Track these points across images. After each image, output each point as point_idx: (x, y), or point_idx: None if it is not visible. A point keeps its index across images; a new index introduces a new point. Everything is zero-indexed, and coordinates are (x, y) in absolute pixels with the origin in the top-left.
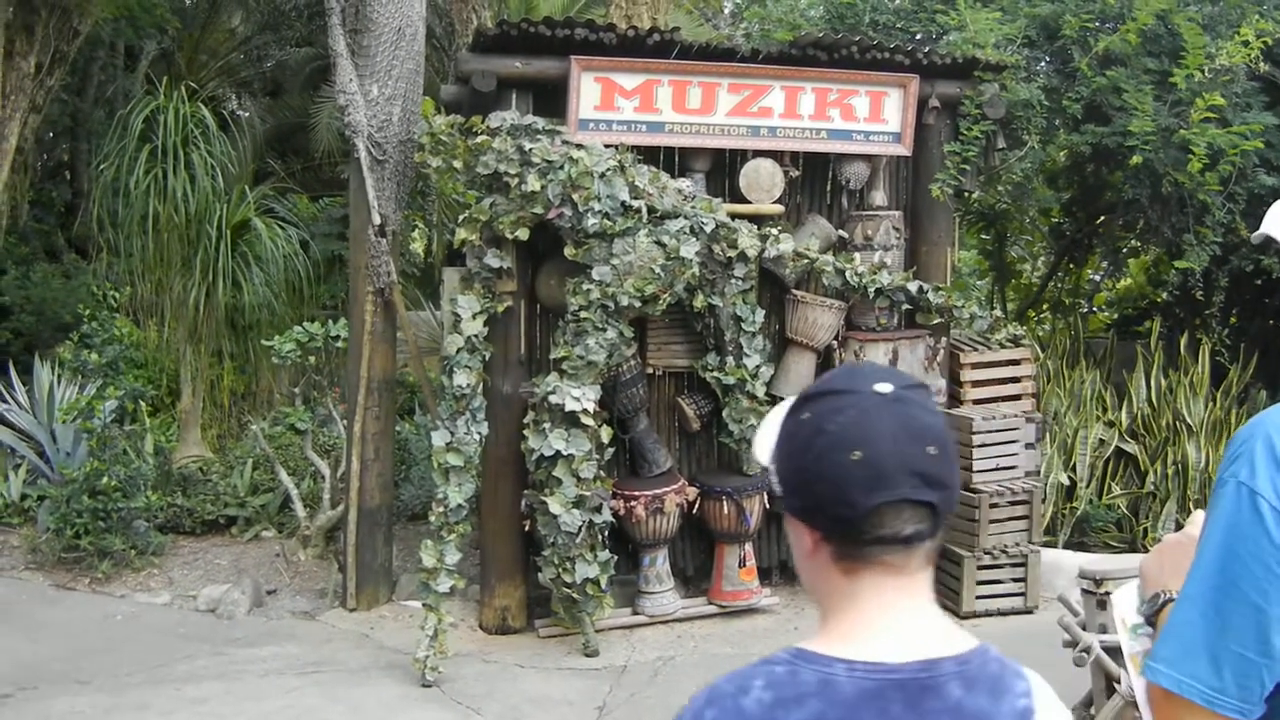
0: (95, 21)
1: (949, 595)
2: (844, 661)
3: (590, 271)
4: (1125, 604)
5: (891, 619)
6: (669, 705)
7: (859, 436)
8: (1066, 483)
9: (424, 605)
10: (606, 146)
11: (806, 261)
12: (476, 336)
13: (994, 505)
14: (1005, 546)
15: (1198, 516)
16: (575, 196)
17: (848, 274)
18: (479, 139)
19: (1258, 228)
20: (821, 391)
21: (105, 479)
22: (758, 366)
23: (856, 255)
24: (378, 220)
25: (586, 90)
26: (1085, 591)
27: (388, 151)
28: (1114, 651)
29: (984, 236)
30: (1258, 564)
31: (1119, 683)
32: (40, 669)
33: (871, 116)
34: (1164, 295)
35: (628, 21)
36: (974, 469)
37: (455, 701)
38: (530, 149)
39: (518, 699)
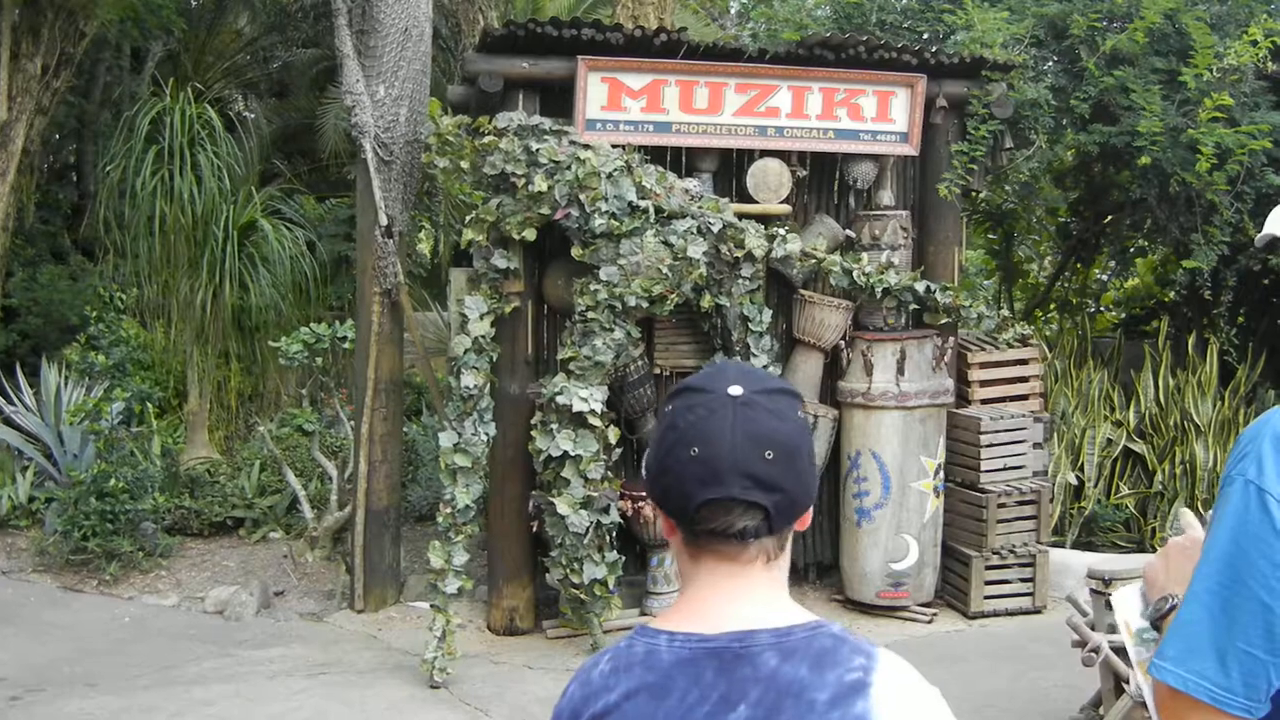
0: (101, 23)
1: (957, 595)
2: (667, 633)
3: (597, 272)
4: (1127, 607)
5: (718, 598)
6: None
7: (700, 435)
8: (1074, 482)
9: (432, 606)
10: (614, 147)
11: (814, 261)
12: (484, 337)
13: (1002, 505)
14: (1013, 546)
15: (1189, 517)
16: (582, 197)
17: (855, 274)
18: (486, 139)
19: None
20: (685, 388)
21: (112, 481)
22: (765, 367)
23: (864, 255)
24: (385, 221)
25: (593, 90)
26: (1094, 591)
27: (394, 152)
28: (1123, 652)
29: (991, 236)
30: (1266, 561)
31: (1128, 683)
32: (48, 671)
33: (879, 116)
34: (1172, 295)
35: (634, 22)
36: (982, 469)
37: (463, 703)
38: (537, 149)
39: (526, 700)
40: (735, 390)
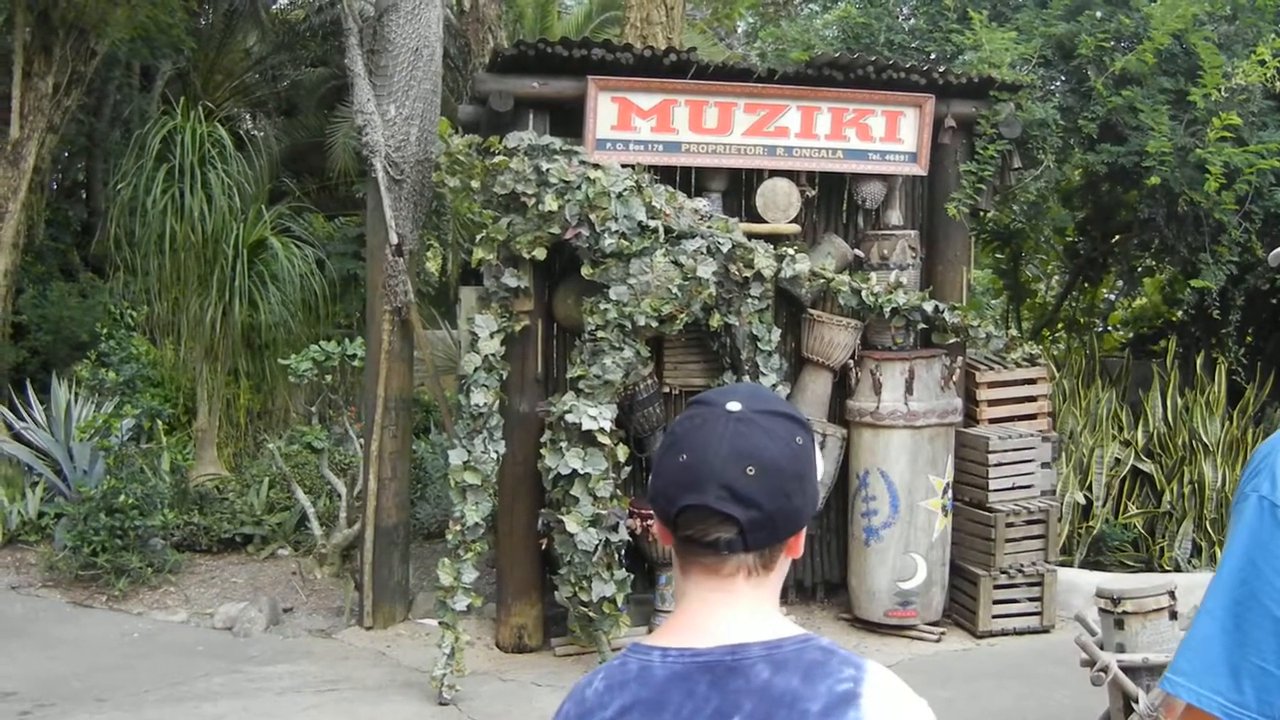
0: (112, 42)
1: (965, 614)
2: (660, 649)
3: (607, 291)
4: None
5: (707, 612)
6: None
7: (691, 443)
8: (1082, 502)
9: (440, 623)
10: (623, 166)
11: (823, 281)
12: (494, 355)
13: (1010, 524)
14: (1021, 566)
15: None
16: (592, 216)
17: (864, 293)
18: (496, 159)
19: (1274, 246)
20: (695, 401)
21: (122, 497)
22: (774, 386)
23: (872, 274)
24: (395, 239)
25: (603, 110)
26: (1102, 611)
27: (405, 171)
28: (1131, 671)
29: (999, 255)
30: (1278, 576)
31: (1137, 702)
32: (58, 686)
33: (887, 136)
34: (1180, 314)
35: (643, 42)
36: (990, 488)
37: None
38: (547, 169)
39: (534, 717)
40: (734, 406)
